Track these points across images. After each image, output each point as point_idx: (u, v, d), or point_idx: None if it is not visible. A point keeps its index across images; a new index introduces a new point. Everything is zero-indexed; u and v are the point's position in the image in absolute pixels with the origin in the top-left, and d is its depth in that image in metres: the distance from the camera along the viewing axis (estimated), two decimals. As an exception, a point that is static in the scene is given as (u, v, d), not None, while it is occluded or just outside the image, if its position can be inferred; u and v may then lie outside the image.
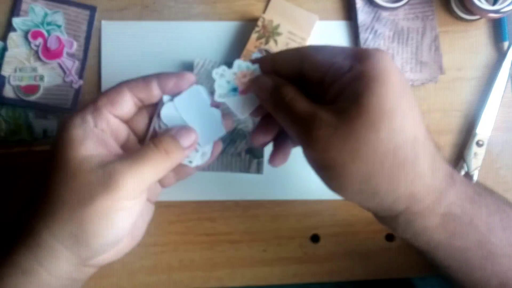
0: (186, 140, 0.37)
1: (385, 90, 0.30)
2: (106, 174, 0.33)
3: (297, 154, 0.52)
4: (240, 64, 0.38)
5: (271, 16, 0.51)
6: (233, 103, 0.39)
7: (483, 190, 0.37)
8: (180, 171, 0.41)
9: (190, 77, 0.39)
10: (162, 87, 0.38)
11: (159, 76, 0.38)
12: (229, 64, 0.39)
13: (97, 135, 0.36)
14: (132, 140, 0.40)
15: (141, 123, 0.40)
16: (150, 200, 0.42)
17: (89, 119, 0.36)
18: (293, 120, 0.34)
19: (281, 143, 0.40)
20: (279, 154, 0.40)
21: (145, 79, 0.38)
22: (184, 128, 0.38)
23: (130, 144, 0.40)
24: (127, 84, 0.38)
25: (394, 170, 0.31)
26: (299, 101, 0.34)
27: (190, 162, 0.40)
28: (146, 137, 0.40)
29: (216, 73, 0.39)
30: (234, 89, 0.39)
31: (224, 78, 0.39)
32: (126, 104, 0.38)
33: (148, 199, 0.41)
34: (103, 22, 0.53)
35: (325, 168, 0.32)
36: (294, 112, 0.33)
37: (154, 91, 0.38)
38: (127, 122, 0.39)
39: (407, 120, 0.30)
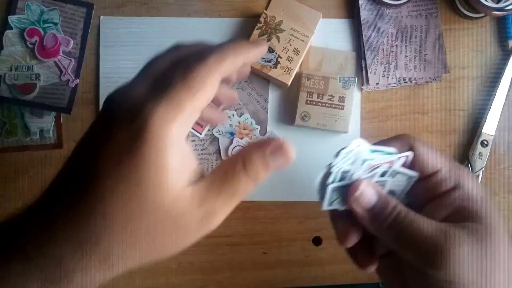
0: (280, 160, 0.29)
1: (494, 211, 0.34)
2: (206, 218, 0.26)
3: (298, 153, 0.52)
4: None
5: (274, 12, 0.50)
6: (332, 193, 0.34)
7: None
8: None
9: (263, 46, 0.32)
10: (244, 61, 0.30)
11: (235, 51, 0.29)
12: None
13: (185, 151, 0.26)
14: None
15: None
16: None
17: (178, 127, 0.25)
18: (412, 240, 0.32)
19: (369, 246, 0.37)
20: (373, 258, 0.37)
21: (234, 56, 0.28)
22: (283, 143, 0.28)
23: None
24: (218, 65, 0.27)
25: None
26: (420, 219, 0.32)
27: None
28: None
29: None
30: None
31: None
32: (209, 95, 0.27)
33: None
34: (102, 17, 0.52)
35: None
36: (415, 231, 0.32)
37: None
38: None
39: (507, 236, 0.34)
